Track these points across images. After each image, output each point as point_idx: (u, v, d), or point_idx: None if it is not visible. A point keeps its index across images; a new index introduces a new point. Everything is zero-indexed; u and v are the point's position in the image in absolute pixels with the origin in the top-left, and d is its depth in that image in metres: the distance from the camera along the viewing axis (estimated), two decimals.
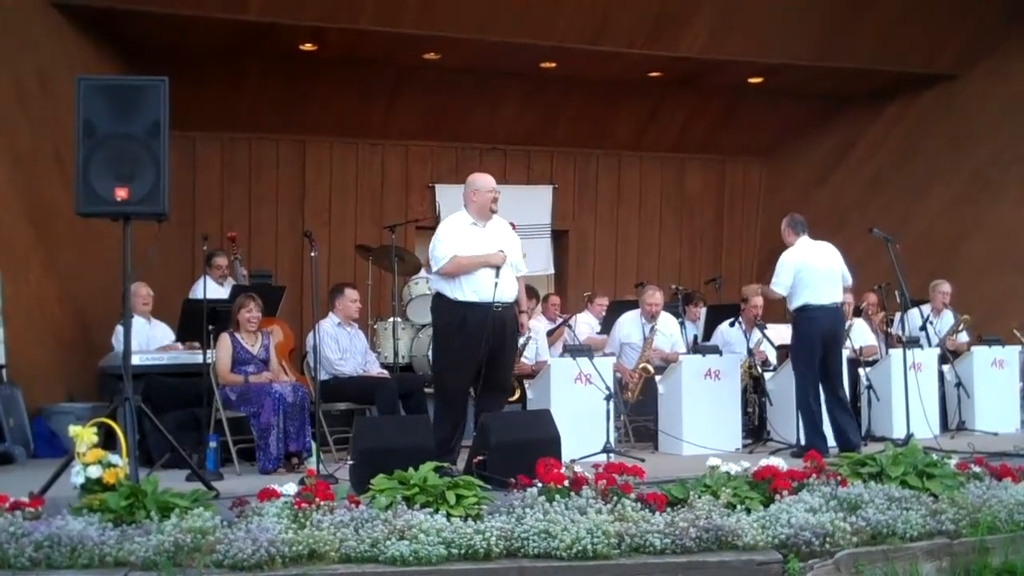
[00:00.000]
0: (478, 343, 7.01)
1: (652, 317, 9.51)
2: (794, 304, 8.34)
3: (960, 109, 12.89)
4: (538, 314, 10.61)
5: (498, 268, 7.12)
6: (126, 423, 5.94)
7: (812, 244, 8.47)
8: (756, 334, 9.54)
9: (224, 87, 11.83)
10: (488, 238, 7.28)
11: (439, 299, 7.32)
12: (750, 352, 9.43)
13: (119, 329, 8.47)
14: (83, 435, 5.50)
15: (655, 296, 9.59)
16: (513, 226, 7.71)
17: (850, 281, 8.64)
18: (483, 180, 7.40)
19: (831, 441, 8.22)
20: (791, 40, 11.76)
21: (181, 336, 8.68)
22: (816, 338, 8.22)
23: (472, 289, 7.11)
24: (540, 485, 5.59)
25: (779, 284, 8.33)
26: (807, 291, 8.25)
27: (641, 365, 9.20)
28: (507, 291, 7.21)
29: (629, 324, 9.71)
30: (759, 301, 9.87)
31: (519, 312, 7.52)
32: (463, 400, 7.40)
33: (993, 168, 12.48)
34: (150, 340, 8.72)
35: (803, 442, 8.27)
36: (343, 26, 10.65)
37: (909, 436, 8.29)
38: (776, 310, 10.90)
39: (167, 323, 9.04)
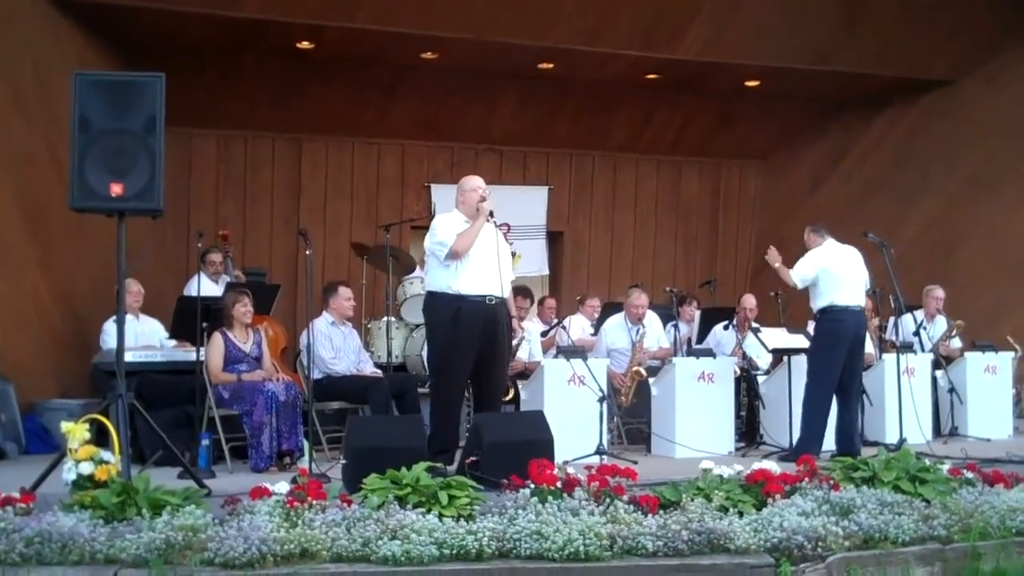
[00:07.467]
0: (472, 337, 6.99)
1: (638, 320, 9.50)
2: (819, 304, 8.34)
3: (956, 114, 12.91)
4: (533, 316, 10.61)
5: (497, 265, 7.07)
6: (119, 420, 5.92)
7: (839, 247, 8.52)
8: (749, 336, 9.53)
9: (220, 84, 11.80)
10: (481, 235, 7.23)
11: (431, 297, 7.30)
12: (733, 353, 9.44)
13: (106, 327, 8.49)
14: (75, 431, 5.49)
15: (641, 298, 9.59)
16: (506, 234, 7.70)
17: (869, 286, 8.68)
18: (470, 181, 7.40)
19: (826, 444, 8.21)
20: (788, 44, 11.75)
21: (175, 333, 8.67)
22: (842, 340, 8.22)
23: (468, 280, 7.08)
24: (533, 486, 5.59)
25: (799, 275, 8.34)
26: (833, 292, 8.26)
27: (633, 369, 9.19)
28: (502, 286, 7.18)
29: (615, 330, 9.71)
30: (751, 303, 9.89)
31: (509, 316, 7.49)
32: (459, 399, 7.37)
33: (988, 174, 12.50)
34: (138, 337, 8.72)
35: (796, 441, 8.28)
36: (340, 24, 10.62)
37: (902, 441, 8.31)
38: (771, 313, 10.92)
39: (160, 320, 9.03)
